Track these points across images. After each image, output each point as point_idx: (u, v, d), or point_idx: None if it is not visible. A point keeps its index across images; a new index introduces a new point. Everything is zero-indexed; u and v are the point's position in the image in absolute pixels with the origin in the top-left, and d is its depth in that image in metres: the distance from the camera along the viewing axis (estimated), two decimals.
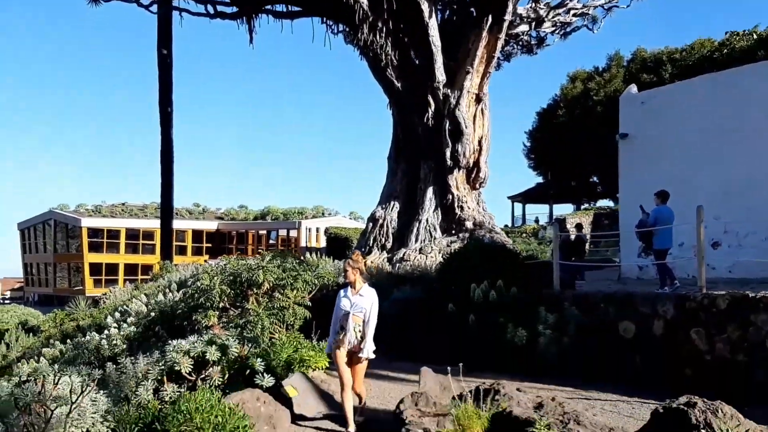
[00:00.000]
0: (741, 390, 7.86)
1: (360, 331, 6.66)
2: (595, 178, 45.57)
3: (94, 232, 47.30)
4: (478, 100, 20.28)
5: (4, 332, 22.85)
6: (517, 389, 6.23)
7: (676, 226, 10.96)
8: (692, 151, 14.27)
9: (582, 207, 44.77)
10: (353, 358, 6.76)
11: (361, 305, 6.67)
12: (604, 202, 45.26)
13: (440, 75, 19.40)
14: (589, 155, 39.43)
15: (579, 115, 41.18)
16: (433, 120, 19.64)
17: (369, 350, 6.71)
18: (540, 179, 48.45)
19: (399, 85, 20.16)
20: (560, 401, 5.62)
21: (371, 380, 9.48)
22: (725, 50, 34.31)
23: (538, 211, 47.45)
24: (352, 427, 6.71)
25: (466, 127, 19.46)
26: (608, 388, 8.69)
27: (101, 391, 8.59)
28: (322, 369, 9.06)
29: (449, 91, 19.48)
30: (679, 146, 14.58)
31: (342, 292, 6.84)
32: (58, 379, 6.86)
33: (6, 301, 52.08)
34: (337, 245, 28.03)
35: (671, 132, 14.83)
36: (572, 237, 16.71)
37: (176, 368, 7.92)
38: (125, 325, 13.43)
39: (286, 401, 7.76)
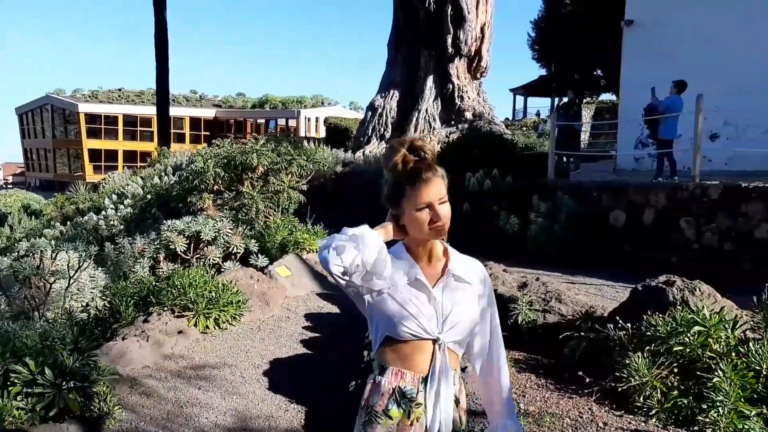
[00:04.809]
0: (727, 279, 8.01)
1: (462, 390, 1.96)
2: (599, 72, 44.52)
3: (91, 118, 46.54)
4: None
5: (7, 215, 23.17)
6: (504, 270, 6.36)
7: (684, 114, 10.67)
8: (703, 44, 13.71)
9: (584, 100, 44.04)
10: None
11: (461, 316, 1.88)
12: (607, 96, 44.50)
13: None
14: (594, 47, 38.32)
15: (587, 3, 39.67)
16: (435, 4, 18.95)
17: None
18: (544, 72, 47.39)
19: None
20: (544, 281, 5.75)
21: None
22: None
23: (540, 105, 46.76)
24: None
25: (468, 13, 18.81)
26: (596, 274, 8.86)
27: (99, 269, 8.81)
28: (317, 251, 9.23)
29: None
30: (691, 36, 14.02)
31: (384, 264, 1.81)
32: (56, 254, 7.00)
33: (9, 186, 52.18)
34: (337, 136, 27.74)
35: (683, 21, 14.23)
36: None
37: (171, 247, 8.10)
38: (122, 207, 13.59)
39: (282, 281, 7.96)
